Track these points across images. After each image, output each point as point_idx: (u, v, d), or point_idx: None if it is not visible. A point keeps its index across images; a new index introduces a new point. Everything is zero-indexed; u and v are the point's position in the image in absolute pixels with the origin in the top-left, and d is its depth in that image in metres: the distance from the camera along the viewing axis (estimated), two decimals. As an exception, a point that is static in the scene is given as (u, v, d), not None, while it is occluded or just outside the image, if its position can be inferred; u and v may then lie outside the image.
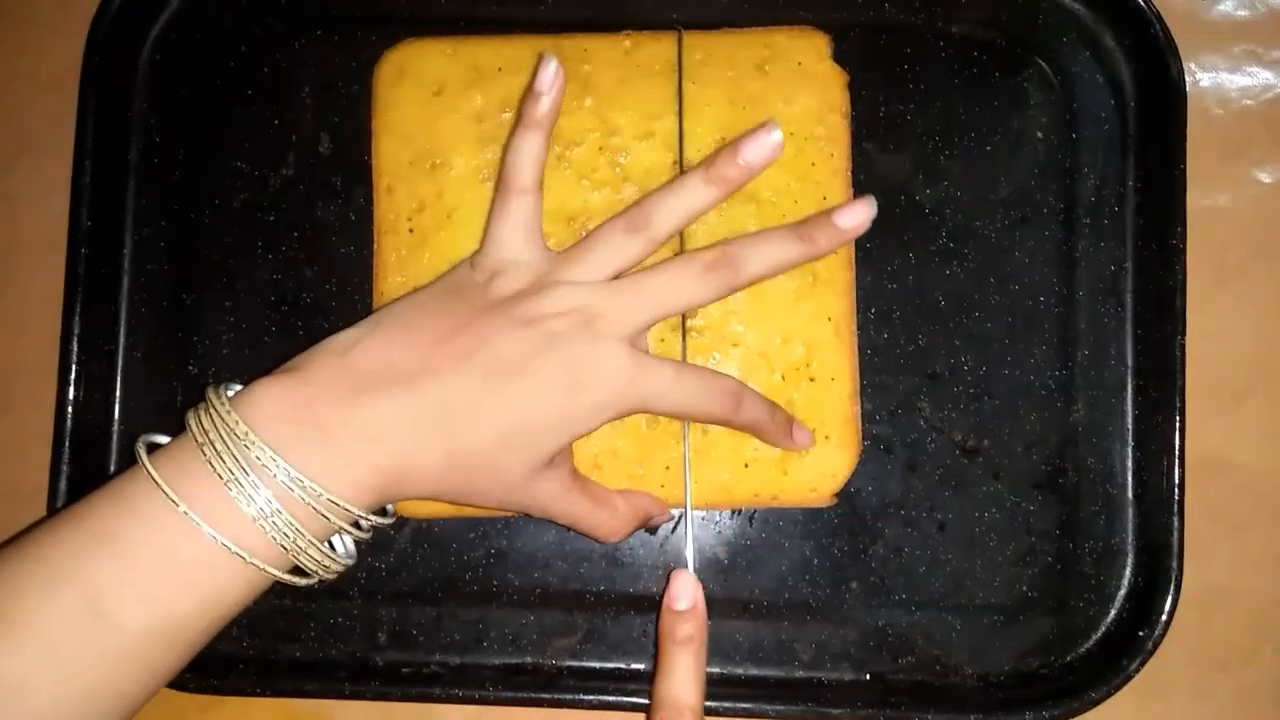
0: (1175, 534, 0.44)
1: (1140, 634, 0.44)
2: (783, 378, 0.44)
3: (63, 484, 0.46)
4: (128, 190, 0.48)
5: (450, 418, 0.37)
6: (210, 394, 0.36)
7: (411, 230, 0.45)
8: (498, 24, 0.48)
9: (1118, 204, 0.47)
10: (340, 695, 0.45)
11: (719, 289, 0.40)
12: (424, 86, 0.45)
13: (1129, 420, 0.46)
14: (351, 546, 0.38)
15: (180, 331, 0.48)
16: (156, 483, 0.34)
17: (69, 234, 0.46)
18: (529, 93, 0.41)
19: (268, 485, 0.34)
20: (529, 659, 0.46)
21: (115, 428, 0.48)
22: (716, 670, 0.46)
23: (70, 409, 0.46)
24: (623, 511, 0.42)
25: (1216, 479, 0.47)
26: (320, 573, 0.36)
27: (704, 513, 0.47)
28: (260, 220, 0.48)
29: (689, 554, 0.43)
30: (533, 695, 0.45)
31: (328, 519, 0.35)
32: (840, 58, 0.46)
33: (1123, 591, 0.46)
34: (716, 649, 0.46)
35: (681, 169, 0.45)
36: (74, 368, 0.46)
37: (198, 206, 0.48)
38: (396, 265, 0.45)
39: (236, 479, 0.34)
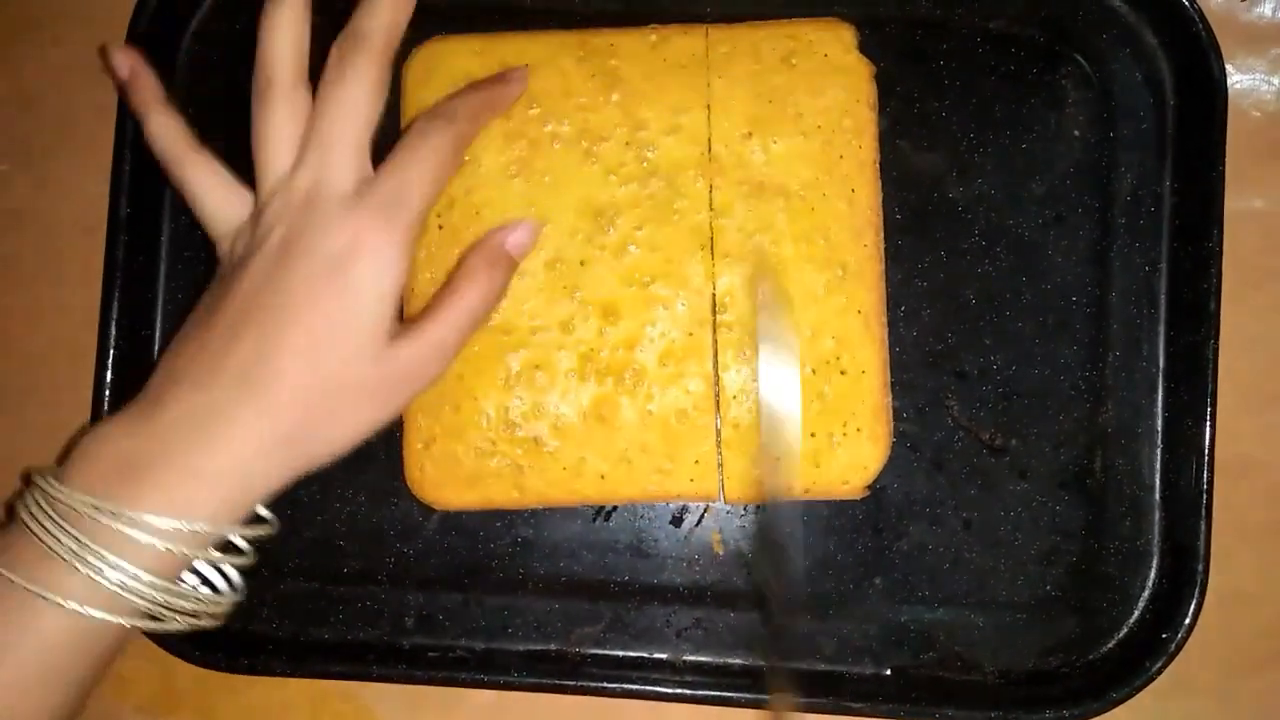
0: (1201, 537, 0.44)
1: (1163, 636, 0.44)
2: (813, 371, 0.44)
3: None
4: (165, 179, 0.48)
5: (244, 388, 0.35)
6: (33, 473, 0.35)
7: (441, 227, 0.45)
8: (530, 15, 0.48)
9: (1154, 204, 0.47)
10: (368, 677, 0.46)
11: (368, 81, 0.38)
12: (454, 83, 0.46)
13: (1158, 422, 0.46)
14: (236, 578, 0.37)
15: (215, 317, 0.49)
16: None
17: (108, 221, 0.47)
18: None
19: (100, 541, 0.33)
20: (553, 646, 0.47)
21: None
22: (739, 662, 0.46)
23: (107, 392, 0.47)
24: (480, 265, 0.40)
25: (1244, 482, 0.47)
26: (177, 612, 0.35)
27: (730, 507, 0.47)
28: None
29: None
30: (556, 682, 0.45)
31: (181, 551, 0.34)
32: (875, 53, 0.46)
33: (1147, 593, 0.46)
34: (739, 640, 0.46)
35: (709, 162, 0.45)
36: (111, 351, 0.47)
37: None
38: (426, 261, 0.45)
39: (64, 543, 0.33)
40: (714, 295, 0.44)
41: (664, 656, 0.46)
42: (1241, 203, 0.48)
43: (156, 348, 0.48)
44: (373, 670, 0.46)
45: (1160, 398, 0.46)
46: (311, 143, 0.37)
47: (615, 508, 0.47)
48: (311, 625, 0.47)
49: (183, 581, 0.36)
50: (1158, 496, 0.46)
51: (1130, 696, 0.44)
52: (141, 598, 0.34)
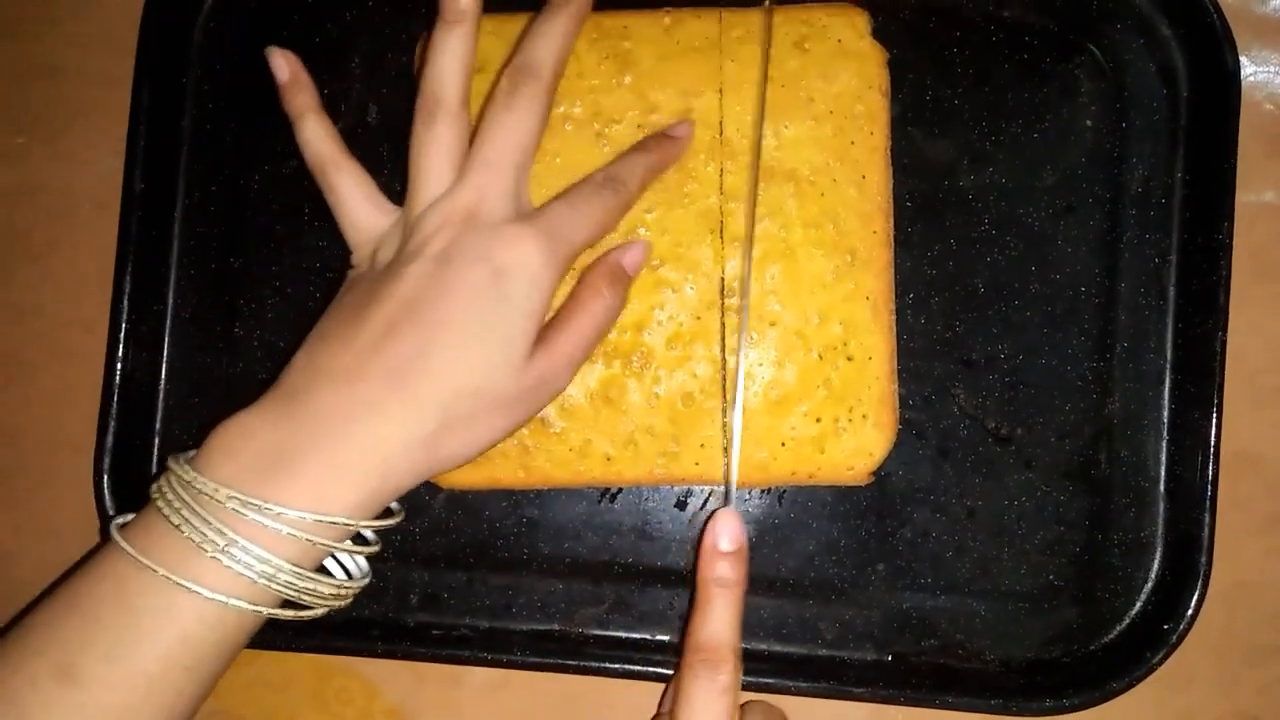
0: (1206, 529, 0.44)
1: (1165, 626, 0.44)
2: (820, 357, 0.44)
3: (109, 438, 0.47)
4: (180, 155, 0.49)
5: (396, 385, 0.35)
6: (168, 462, 0.36)
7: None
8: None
9: (1165, 196, 0.47)
10: (372, 654, 0.46)
11: (528, 112, 0.39)
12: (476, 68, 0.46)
13: (1165, 414, 0.46)
14: (363, 564, 0.38)
15: (227, 294, 0.49)
16: (123, 547, 0.34)
17: (122, 196, 0.47)
18: None
19: (239, 530, 0.33)
20: (556, 626, 0.47)
21: (161, 385, 0.49)
22: (741, 645, 0.46)
23: (119, 365, 0.47)
24: (605, 292, 0.41)
25: (1249, 474, 0.47)
26: (311, 601, 0.36)
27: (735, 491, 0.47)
28: (308, 187, 0.48)
29: (731, 492, 0.42)
30: (559, 661, 0.46)
31: (319, 543, 0.34)
32: (888, 40, 0.46)
33: (1149, 584, 0.46)
34: (741, 624, 0.46)
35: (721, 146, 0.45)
36: (124, 325, 0.47)
37: (248, 173, 0.49)
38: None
39: (202, 532, 0.33)
40: (723, 279, 0.44)
41: (666, 639, 0.47)
42: (1253, 195, 0.48)
43: (168, 322, 0.49)
44: (377, 647, 0.46)
45: (1167, 389, 0.46)
46: (476, 163, 0.39)
47: (621, 490, 0.47)
48: (317, 600, 0.48)
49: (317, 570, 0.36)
50: (1162, 488, 0.46)
51: (1131, 686, 0.44)
52: (282, 587, 0.34)
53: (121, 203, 0.47)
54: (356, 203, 0.41)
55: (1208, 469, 0.44)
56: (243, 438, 0.35)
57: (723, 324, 0.44)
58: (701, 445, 0.44)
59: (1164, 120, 0.47)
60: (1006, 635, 0.46)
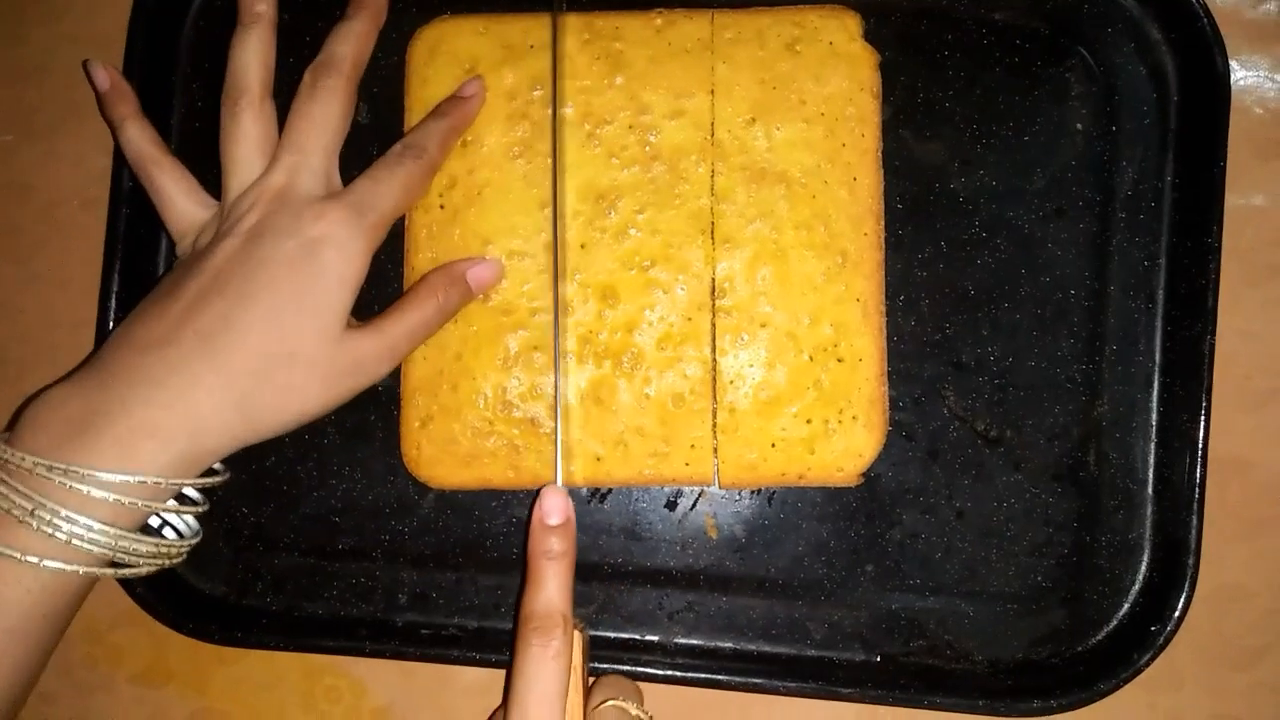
0: (1193, 531, 0.44)
1: (1152, 629, 0.44)
2: (810, 358, 0.44)
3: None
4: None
5: (203, 348, 0.37)
6: None
7: (443, 206, 0.45)
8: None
9: (1154, 199, 0.47)
10: (360, 653, 0.46)
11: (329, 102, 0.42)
12: (457, 64, 0.46)
13: (1153, 416, 0.46)
14: (192, 523, 0.40)
15: (216, 292, 0.49)
16: None
17: (110, 194, 0.47)
18: None
19: (54, 498, 0.35)
20: (546, 626, 0.47)
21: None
22: (730, 645, 0.46)
23: (107, 364, 0.47)
24: (440, 280, 0.43)
25: (1237, 478, 0.47)
26: (140, 563, 0.37)
27: (725, 492, 0.47)
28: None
29: (558, 471, 0.43)
30: (549, 662, 0.46)
31: (135, 504, 0.36)
32: (879, 42, 0.46)
33: (1137, 586, 0.46)
34: (730, 624, 0.47)
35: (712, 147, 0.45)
36: (111, 323, 0.47)
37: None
38: (427, 241, 0.45)
39: (17, 502, 0.34)
40: (714, 280, 0.44)
41: (655, 639, 0.47)
42: (1242, 199, 0.48)
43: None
44: (365, 646, 0.46)
45: (1156, 392, 0.46)
46: (285, 148, 0.41)
47: (610, 490, 0.47)
48: (305, 600, 0.48)
49: (144, 530, 0.38)
50: (1150, 490, 0.46)
51: (1118, 688, 0.44)
52: (97, 547, 0.35)
53: (110, 201, 0.47)
54: (177, 197, 0.43)
55: (1195, 471, 0.44)
56: (49, 408, 0.36)
57: (713, 325, 0.44)
58: (691, 446, 0.44)
59: (1154, 124, 0.47)
60: (995, 636, 0.46)
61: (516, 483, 0.45)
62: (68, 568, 0.35)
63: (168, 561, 0.39)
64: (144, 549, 0.37)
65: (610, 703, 0.38)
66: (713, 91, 0.45)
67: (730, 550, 0.47)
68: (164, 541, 0.38)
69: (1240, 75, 0.48)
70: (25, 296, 0.50)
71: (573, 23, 0.46)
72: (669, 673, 0.45)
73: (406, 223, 0.46)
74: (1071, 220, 0.47)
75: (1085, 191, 0.47)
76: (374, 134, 0.48)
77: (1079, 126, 0.47)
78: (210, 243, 0.40)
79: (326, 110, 0.42)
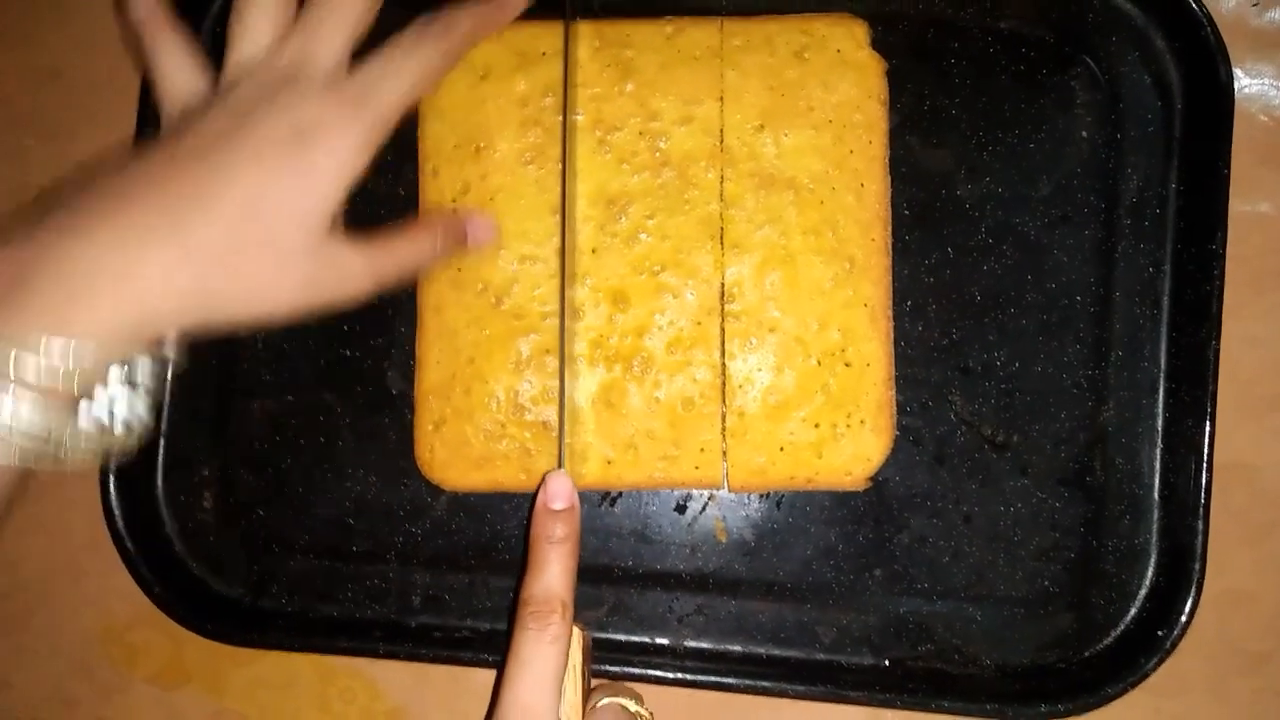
0: (1199, 536, 0.45)
1: (1159, 633, 0.45)
2: (818, 363, 0.44)
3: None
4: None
5: (169, 216, 0.33)
6: None
7: (455, 211, 0.46)
8: (546, 3, 0.48)
9: (1159, 206, 0.47)
10: (374, 654, 0.47)
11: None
12: (471, 70, 0.46)
13: (1159, 422, 0.47)
14: (140, 410, 0.34)
15: (232, 297, 0.49)
16: None
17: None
18: None
19: None
20: (557, 629, 0.47)
21: (167, 390, 0.49)
22: (738, 648, 0.47)
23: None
24: (437, 223, 0.42)
25: (1243, 483, 0.48)
26: (73, 451, 0.32)
27: (734, 495, 0.47)
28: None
29: (561, 456, 0.42)
30: (559, 664, 0.46)
31: (58, 379, 0.30)
32: (886, 50, 0.46)
33: (1144, 591, 0.46)
34: (739, 628, 0.47)
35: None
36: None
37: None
38: (441, 243, 0.46)
39: None
40: (723, 285, 0.45)
41: (665, 642, 0.47)
42: (1247, 206, 0.48)
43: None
44: (379, 648, 0.47)
45: (1161, 398, 0.47)
46: (300, 28, 0.38)
47: (620, 494, 0.48)
48: (320, 602, 0.48)
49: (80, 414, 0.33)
50: (1157, 496, 0.46)
51: (1125, 693, 0.44)
52: (27, 439, 0.31)
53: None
54: (175, 63, 0.38)
55: (1201, 477, 0.45)
56: None
57: (722, 329, 0.45)
58: (701, 449, 0.45)
59: (1158, 132, 0.47)
60: (1002, 641, 0.46)
61: (528, 485, 0.45)
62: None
63: (110, 451, 0.33)
64: (79, 437, 0.32)
65: (609, 700, 0.38)
66: (722, 98, 0.46)
67: (739, 554, 0.47)
68: (90, 431, 0.33)
69: (1245, 83, 0.49)
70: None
71: (584, 30, 0.46)
72: (678, 675, 0.45)
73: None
74: (1077, 227, 0.47)
75: (1090, 198, 0.47)
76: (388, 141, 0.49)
77: (1084, 134, 0.48)
78: (197, 111, 0.36)
79: None
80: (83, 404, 0.32)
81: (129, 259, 0.32)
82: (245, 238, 0.34)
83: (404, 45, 0.39)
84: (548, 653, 0.35)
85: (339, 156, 0.36)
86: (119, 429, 0.33)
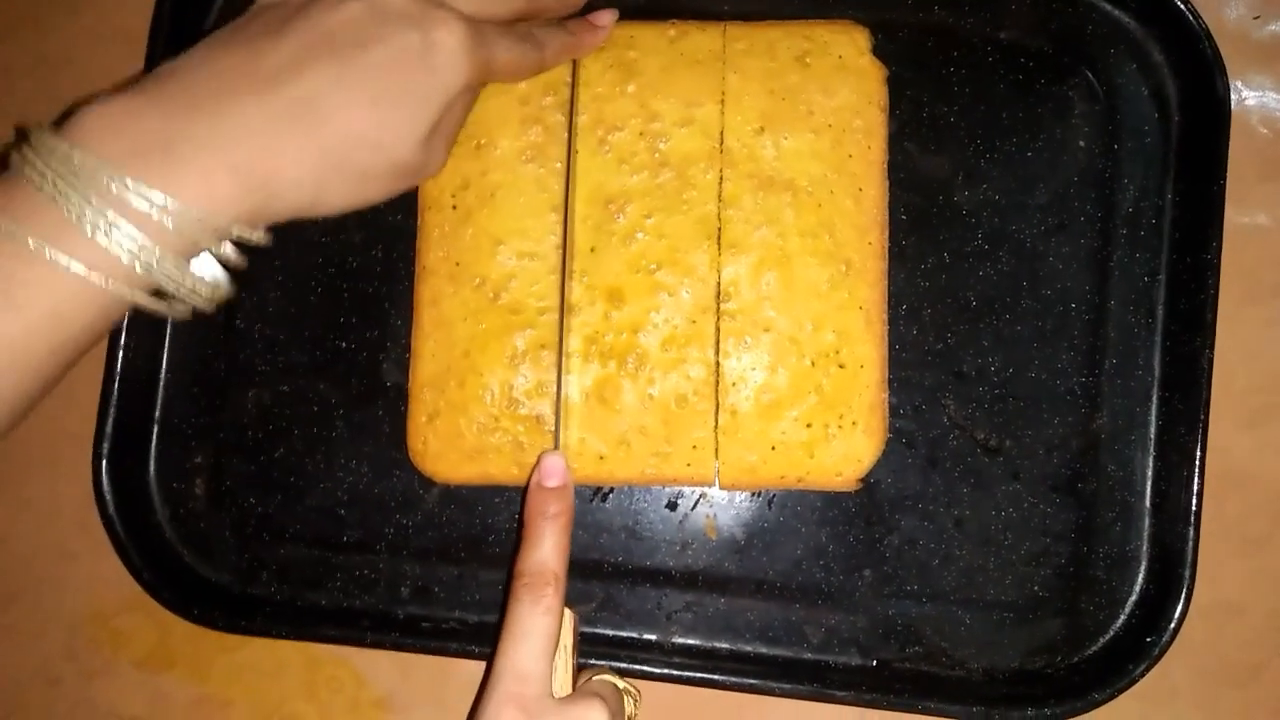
0: (1190, 544, 0.45)
1: (1148, 640, 0.45)
2: (812, 363, 0.45)
3: (109, 427, 0.47)
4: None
5: (305, 110, 0.35)
6: (34, 132, 0.33)
7: (455, 207, 0.46)
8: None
9: (1155, 216, 0.47)
10: (361, 643, 0.47)
11: None
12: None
13: (1152, 430, 0.47)
14: (219, 273, 0.35)
15: (230, 285, 0.50)
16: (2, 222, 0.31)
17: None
18: None
19: (114, 208, 0.31)
20: (545, 624, 0.47)
21: (162, 375, 0.49)
22: (727, 646, 0.47)
23: (120, 354, 0.48)
24: (542, 45, 0.42)
25: (1236, 493, 0.48)
26: (185, 296, 0.34)
27: (725, 493, 0.48)
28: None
29: (557, 436, 0.43)
30: (547, 658, 0.46)
31: (189, 236, 0.33)
32: (886, 58, 0.47)
33: (1133, 598, 0.46)
34: (728, 625, 0.47)
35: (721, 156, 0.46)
36: (126, 316, 0.47)
37: None
38: (439, 240, 0.46)
39: (79, 207, 0.31)
40: (719, 284, 0.45)
41: (653, 638, 0.47)
42: (1245, 218, 0.48)
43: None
44: (366, 637, 0.47)
45: (1154, 406, 0.47)
46: None
47: (612, 489, 0.48)
48: (309, 590, 0.48)
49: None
50: (1148, 503, 0.47)
51: (1112, 698, 0.44)
52: (160, 275, 0.33)
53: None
54: None
55: (1192, 485, 0.45)
56: (127, 117, 0.33)
57: (717, 328, 0.45)
58: (693, 446, 0.45)
59: (1155, 143, 0.48)
60: (991, 644, 0.46)
61: (520, 479, 0.45)
62: (128, 292, 0.32)
63: (205, 305, 0.35)
64: (202, 288, 0.34)
65: (599, 677, 0.39)
66: (723, 101, 0.46)
67: (729, 552, 0.47)
68: (207, 281, 0.35)
69: (1245, 95, 0.49)
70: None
71: (586, 30, 0.47)
72: (666, 671, 0.45)
73: (419, 222, 0.47)
74: (1073, 235, 0.48)
75: (1087, 207, 0.48)
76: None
77: (1081, 144, 0.48)
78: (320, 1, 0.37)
79: None
80: (191, 255, 0.34)
81: (268, 151, 0.34)
82: (363, 138, 0.36)
83: (512, 36, 0.41)
84: (541, 623, 0.37)
85: (455, 77, 0.37)
86: (211, 282, 0.35)
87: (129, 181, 0.31)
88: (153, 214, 0.32)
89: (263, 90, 0.34)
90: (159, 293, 0.34)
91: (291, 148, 0.34)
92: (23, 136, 0.33)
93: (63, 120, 0.33)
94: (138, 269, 0.32)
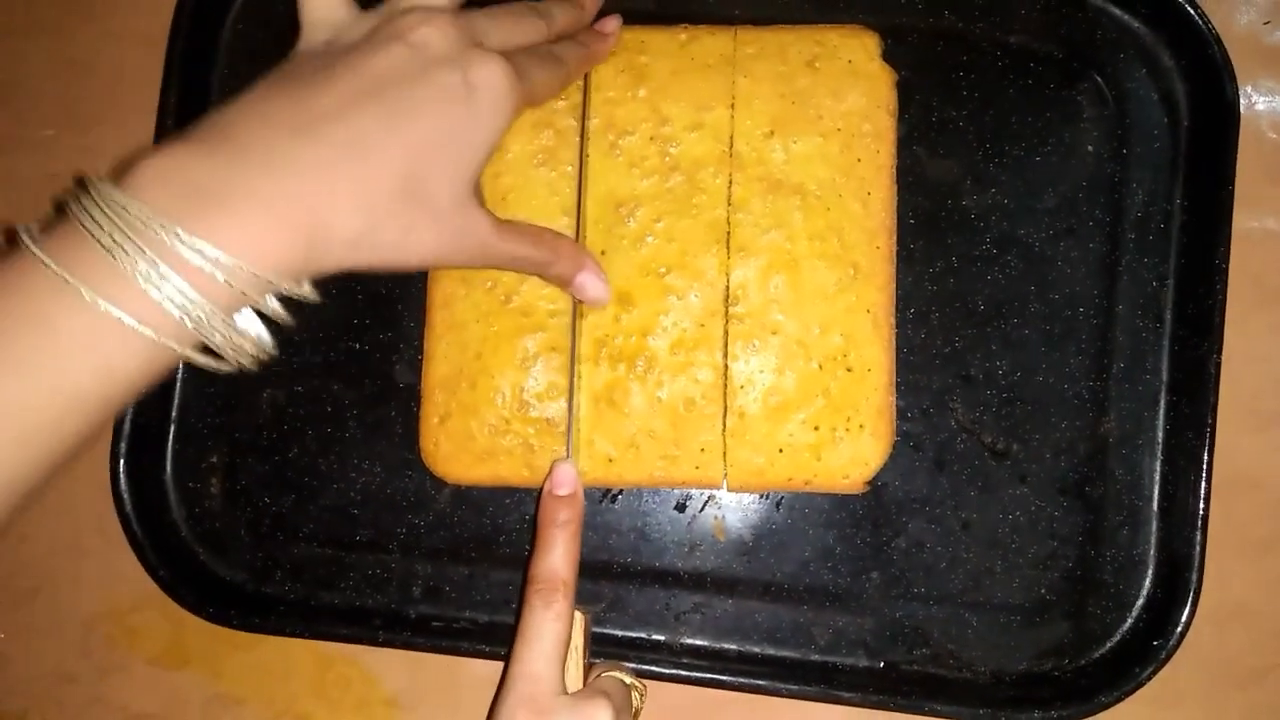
0: (1197, 548, 0.45)
1: (1155, 644, 0.45)
2: (820, 366, 0.45)
3: (125, 425, 0.48)
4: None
5: (354, 153, 0.34)
6: (89, 180, 0.33)
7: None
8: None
9: (1164, 221, 0.47)
10: (373, 642, 0.47)
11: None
12: None
13: (1159, 434, 0.47)
14: (265, 334, 0.35)
15: (245, 287, 0.50)
16: (45, 263, 0.31)
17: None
18: None
19: (167, 260, 0.31)
20: (555, 623, 0.48)
21: (179, 376, 0.50)
22: (735, 647, 0.47)
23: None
24: (564, 249, 0.42)
25: (1244, 497, 0.48)
26: (231, 353, 0.33)
27: (733, 496, 0.48)
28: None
29: (569, 444, 0.44)
30: (556, 658, 0.46)
31: (238, 290, 0.32)
32: (896, 61, 0.47)
33: (1141, 601, 0.46)
34: (736, 627, 0.47)
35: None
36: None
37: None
38: (453, 239, 0.46)
39: (134, 259, 0.31)
40: (727, 288, 0.45)
41: (662, 638, 0.47)
42: (1254, 222, 0.49)
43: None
44: (378, 636, 0.47)
45: (1162, 410, 0.47)
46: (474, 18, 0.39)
47: (621, 491, 0.48)
48: (322, 589, 0.49)
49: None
50: (1156, 507, 0.47)
51: (1119, 701, 0.44)
52: (209, 330, 0.32)
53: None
54: None
55: (1199, 489, 0.45)
56: (174, 165, 0.33)
57: (726, 331, 0.45)
58: (701, 449, 0.45)
59: (1164, 148, 0.48)
60: (998, 647, 0.47)
61: (531, 481, 0.46)
62: (176, 347, 0.32)
63: (244, 362, 0.34)
64: (248, 346, 0.34)
65: (607, 674, 0.40)
66: (733, 105, 0.46)
67: (737, 553, 0.48)
68: (255, 340, 0.34)
69: (1254, 100, 0.49)
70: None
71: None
72: (674, 672, 0.46)
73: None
74: (1081, 239, 0.48)
75: (1095, 212, 0.48)
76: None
77: (1090, 148, 0.48)
78: (368, 41, 0.37)
79: None
80: (237, 314, 0.34)
81: (317, 198, 0.33)
82: (416, 184, 0.35)
83: (537, 59, 0.41)
84: (552, 627, 0.38)
85: (498, 118, 0.37)
86: (245, 340, 0.34)
87: (180, 232, 0.31)
88: (204, 266, 0.31)
89: (310, 136, 0.34)
90: (207, 348, 0.33)
91: (340, 194, 0.34)
92: (81, 185, 0.33)
93: (120, 171, 0.33)
94: (188, 323, 0.32)
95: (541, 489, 0.41)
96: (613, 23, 0.46)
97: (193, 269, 0.31)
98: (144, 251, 0.31)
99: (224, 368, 0.34)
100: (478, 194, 0.39)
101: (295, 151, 0.34)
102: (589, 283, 0.43)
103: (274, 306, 0.34)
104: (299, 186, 0.33)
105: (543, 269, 0.42)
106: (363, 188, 0.34)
